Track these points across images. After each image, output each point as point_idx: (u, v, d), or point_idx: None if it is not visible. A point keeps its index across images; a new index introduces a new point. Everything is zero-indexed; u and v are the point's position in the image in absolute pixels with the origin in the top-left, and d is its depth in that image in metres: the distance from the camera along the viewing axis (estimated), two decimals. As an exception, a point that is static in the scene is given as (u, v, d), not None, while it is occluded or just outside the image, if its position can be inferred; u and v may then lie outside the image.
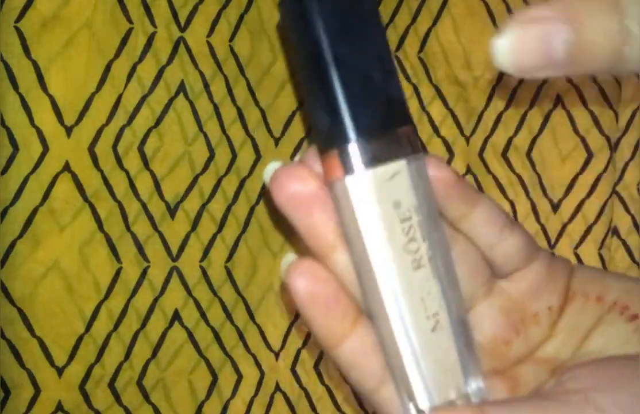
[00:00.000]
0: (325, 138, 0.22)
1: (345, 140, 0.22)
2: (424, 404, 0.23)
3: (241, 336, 0.41)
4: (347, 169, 0.22)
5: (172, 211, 0.40)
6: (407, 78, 0.44)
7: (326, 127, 0.22)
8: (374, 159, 0.21)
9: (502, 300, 0.28)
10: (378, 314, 0.24)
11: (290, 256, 0.26)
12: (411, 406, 0.24)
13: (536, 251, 0.30)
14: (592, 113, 0.45)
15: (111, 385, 0.39)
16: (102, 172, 0.39)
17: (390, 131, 0.22)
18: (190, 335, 0.40)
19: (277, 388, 0.42)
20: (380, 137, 0.21)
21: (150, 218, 0.40)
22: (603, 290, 0.29)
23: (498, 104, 0.44)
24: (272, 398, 0.42)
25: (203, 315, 0.41)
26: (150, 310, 0.40)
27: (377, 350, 0.25)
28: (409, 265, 0.22)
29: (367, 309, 0.25)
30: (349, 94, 0.21)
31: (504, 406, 0.25)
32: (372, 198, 0.22)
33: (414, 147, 0.23)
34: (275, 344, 0.42)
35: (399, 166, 0.22)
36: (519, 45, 0.22)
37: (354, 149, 0.21)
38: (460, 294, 0.25)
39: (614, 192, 0.46)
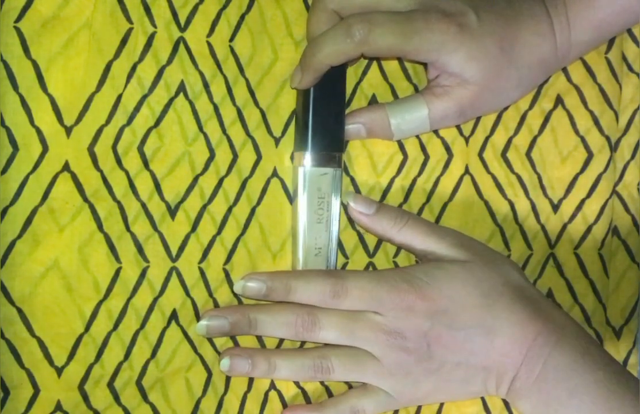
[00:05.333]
0: (299, 144, 0.42)
1: (305, 149, 0.41)
2: None
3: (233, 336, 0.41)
4: (303, 164, 0.41)
5: (172, 212, 0.40)
6: (408, 78, 0.44)
7: (300, 138, 0.42)
8: (314, 163, 0.41)
9: None
10: (294, 234, 0.42)
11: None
12: None
13: None
14: (592, 113, 0.45)
15: (110, 385, 0.39)
16: (101, 172, 0.39)
17: (327, 152, 0.41)
18: (185, 333, 0.40)
19: (272, 386, 0.42)
20: (321, 153, 0.41)
21: (150, 218, 0.40)
22: None
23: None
24: (266, 395, 0.42)
25: (197, 313, 0.41)
26: (150, 310, 0.40)
27: None
28: (314, 219, 0.42)
29: (292, 232, 0.43)
30: (313, 128, 0.41)
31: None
32: (308, 181, 0.41)
33: (338, 164, 0.42)
34: (272, 344, 0.42)
35: (325, 171, 0.41)
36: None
37: (307, 156, 0.41)
38: (336, 248, 0.43)
39: (614, 192, 0.46)
